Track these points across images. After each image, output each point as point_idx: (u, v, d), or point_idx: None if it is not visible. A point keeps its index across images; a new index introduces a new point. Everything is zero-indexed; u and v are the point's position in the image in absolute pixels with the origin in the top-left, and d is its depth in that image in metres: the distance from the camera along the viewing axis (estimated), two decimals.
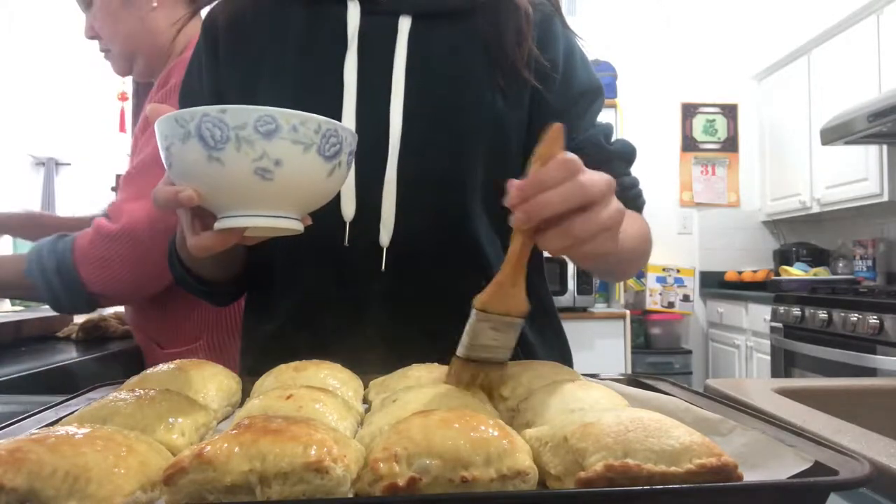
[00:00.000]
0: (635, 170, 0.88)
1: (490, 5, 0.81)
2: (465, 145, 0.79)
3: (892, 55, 3.07)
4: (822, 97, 3.58)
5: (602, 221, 0.50)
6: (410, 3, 0.79)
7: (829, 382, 0.85)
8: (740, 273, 4.17)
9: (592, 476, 0.37)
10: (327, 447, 0.38)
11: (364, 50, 0.78)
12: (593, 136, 0.84)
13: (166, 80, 1.19)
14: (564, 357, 0.90)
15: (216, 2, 0.88)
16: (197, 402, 0.53)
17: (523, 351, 0.81)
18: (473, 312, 0.54)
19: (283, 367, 0.63)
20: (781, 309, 3.19)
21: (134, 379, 0.60)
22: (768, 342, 3.34)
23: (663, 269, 4.12)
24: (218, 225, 0.55)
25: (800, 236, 4.23)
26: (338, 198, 0.74)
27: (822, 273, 3.77)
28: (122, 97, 2.57)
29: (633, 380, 0.68)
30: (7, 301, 1.81)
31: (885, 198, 3.17)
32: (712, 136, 4.38)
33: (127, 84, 2.27)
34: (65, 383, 1.02)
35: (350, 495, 0.38)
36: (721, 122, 4.38)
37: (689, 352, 4.01)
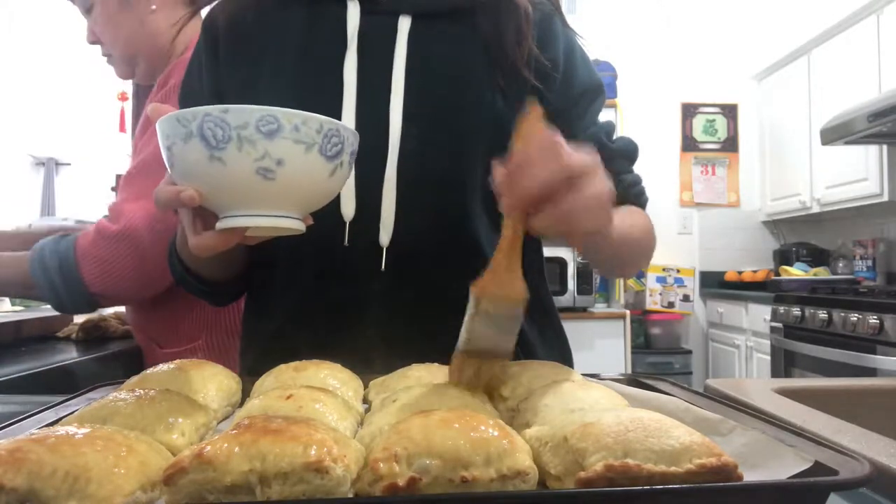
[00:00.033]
0: (635, 169, 0.88)
1: (490, 5, 0.81)
2: (465, 145, 0.79)
3: (892, 55, 3.07)
4: (822, 97, 3.58)
5: (590, 196, 0.50)
6: (410, 2, 0.79)
7: (829, 382, 0.85)
8: (740, 273, 4.17)
9: (592, 476, 0.37)
10: (327, 447, 0.38)
11: (364, 50, 0.78)
12: (595, 135, 0.84)
13: (166, 81, 1.19)
14: (564, 357, 0.90)
15: (216, 2, 0.88)
16: (197, 402, 0.53)
17: (523, 351, 0.81)
18: (471, 299, 0.53)
19: (283, 367, 0.63)
20: (781, 309, 3.19)
21: (134, 379, 0.60)
22: (768, 342, 3.34)
23: (663, 269, 4.12)
24: (220, 225, 0.55)
25: (800, 236, 4.23)
26: (337, 198, 0.74)
27: (822, 273, 3.77)
28: (122, 97, 2.57)
29: (633, 380, 0.68)
30: (7, 301, 1.81)
31: (885, 198, 3.17)
32: (712, 136, 4.38)
33: (127, 84, 2.27)
34: (65, 383, 1.02)
35: (350, 495, 0.38)
36: (721, 122, 4.38)
37: (689, 352, 4.01)
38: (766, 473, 0.41)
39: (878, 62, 3.15)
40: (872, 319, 2.52)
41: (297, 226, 0.56)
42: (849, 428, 0.61)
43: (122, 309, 1.38)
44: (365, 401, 0.62)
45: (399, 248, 0.76)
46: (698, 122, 4.38)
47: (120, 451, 0.39)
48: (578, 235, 0.53)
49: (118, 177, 2.60)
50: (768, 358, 3.36)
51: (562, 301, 3.33)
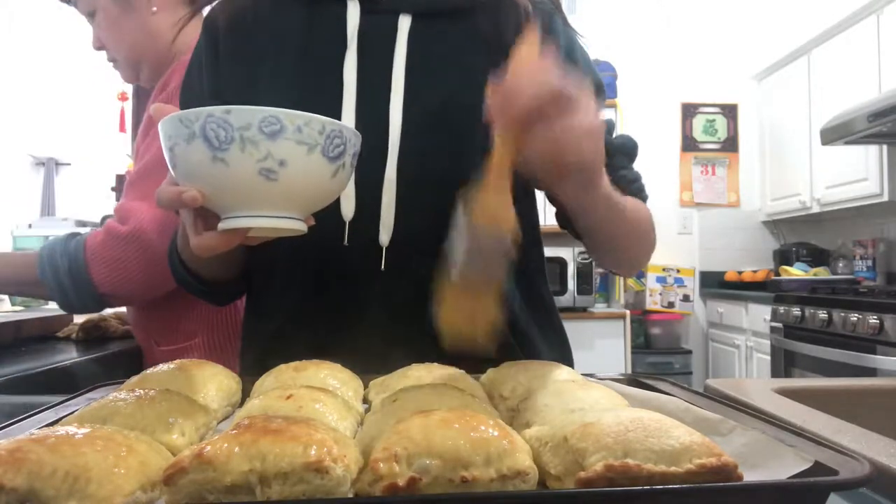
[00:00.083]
0: (635, 167, 0.88)
1: (490, 4, 0.81)
2: (465, 145, 0.79)
3: (892, 55, 3.07)
4: (822, 97, 3.58)
5: (582, 124, 0.51)
6: (410, 2, 0.79)
7: (829, 382, 0.85)
8: (740, 273, 4.17)
9: (592, 476, 0.37)
10: (327, 447, 0.38)
11: (364, 49, 0.78)
12: None
13: (167, 83, 1.19)
14: (565, 356, 0.90)
15: (216, 2, 0.88)
16: (197, 402, 0.53)
17: (524, 350, 0.81)
18: (459, 208, 0.52)
19: (283, 367, 0.63)
20: (781, 309, 3.19)
21: (134, 379, 0.60)
22: (768, 342, 3.34)
23: (663, 269, 4.12)
24: (222, 225, 0.55)
25: (800, 236, 4.23)
26: (337, 198, 0.74)
27: (822, 273, 3.77)
28: (122, 97, 2.58)
29: (633, 380, 0.68)
30: (7, 301, 1.81)
31: (885, 198, 3.17)
32: (712, 136, 4.38)
33: (127, 84, 2.27)
34: (65, 383, 1.02)
35: (350, 495, 0.38)
36: (721, 122, 4.38)
37: (689, 352, 4.01)
38: (766, 473, 0.41)
39: (878, 62, 3.15)
40: (872, 319, 2.52)
41: (298, 227, 0.56)
42: (849, 428, 0.61)
43: (122, 309, 1.38)
44: (365, 401, 0.62)
45: (399, 247, 0.76)
46: (698, 122, 4.38)
47: (120, 451, 0.39)
48: (567, 168, 0.53)
49: (118, 177, 2.60)
50: (768, 358, 3.36)
51: (562, 301, 3.33)
